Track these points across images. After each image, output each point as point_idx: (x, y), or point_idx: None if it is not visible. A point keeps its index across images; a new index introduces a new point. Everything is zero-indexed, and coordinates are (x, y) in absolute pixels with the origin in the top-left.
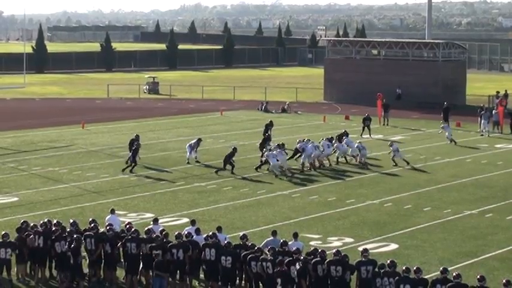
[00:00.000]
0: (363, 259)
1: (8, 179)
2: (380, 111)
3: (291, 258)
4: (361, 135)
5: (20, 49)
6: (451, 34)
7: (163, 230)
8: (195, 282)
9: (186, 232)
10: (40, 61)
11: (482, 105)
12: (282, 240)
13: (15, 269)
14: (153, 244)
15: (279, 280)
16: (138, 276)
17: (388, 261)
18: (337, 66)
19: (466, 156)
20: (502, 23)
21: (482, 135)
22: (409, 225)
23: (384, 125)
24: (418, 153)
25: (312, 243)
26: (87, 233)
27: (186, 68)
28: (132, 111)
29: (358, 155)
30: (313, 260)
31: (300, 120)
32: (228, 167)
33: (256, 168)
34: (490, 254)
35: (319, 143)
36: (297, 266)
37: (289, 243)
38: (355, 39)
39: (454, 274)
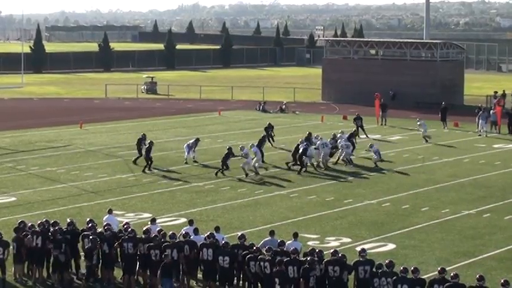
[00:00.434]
0: (361, 259)
1: (5, 179)
2: (378, 111)
3: (288, 258)
4: (357, 136)
5: (18, 49)
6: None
7: (161, 230)
8: (193, 283)
9: (183, 232)
10: (38, 61)
11: (480, 105)
12: (279, 240)
13: (13, 269)
14: (151, 244)
15: (276, 280)
16: (136, 276)
17: (387, 261)
18: (335, 66)
19: (464, 156)
20: (500, 23)
21: (480, 135)
22: (407, 225)
23: (381, 125)
24: (416, 153)
25: (309, 243)
26: (85, 233)
27: (184, 68)
28: (130, 111)
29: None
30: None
31: (298, 120)
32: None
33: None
34: (488, 254)
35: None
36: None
37: (288, 242)
38: (353, 39)
39: (452, 274)
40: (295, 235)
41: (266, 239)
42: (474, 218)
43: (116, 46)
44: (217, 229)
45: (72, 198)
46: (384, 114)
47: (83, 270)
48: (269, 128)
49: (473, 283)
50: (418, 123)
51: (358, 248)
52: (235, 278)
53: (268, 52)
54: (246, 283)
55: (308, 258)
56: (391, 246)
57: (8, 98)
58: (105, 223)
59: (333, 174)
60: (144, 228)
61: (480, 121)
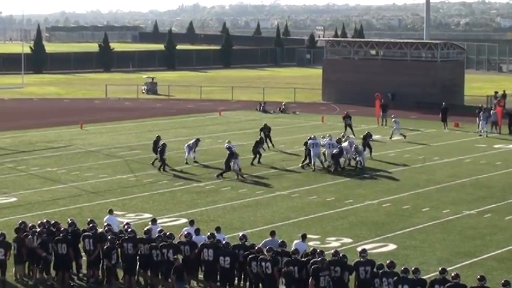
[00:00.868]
0: (362, 259)
1: (6, 179)
2: (378, 112)
3: (290, 259)
4: (343, 134)
5: (18, 49)
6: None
7: (161, 230)
8: (194, 283)
9: (185, 232)
10: (38, 61)
11: (480, 105)
12: (280, 241)
13: (14, 269)
14: (153, 244)
15: (283, 280)
16: (136, 277)
17: (387, 262)
18: (335, 66)
19: (465, 156)
20: (500, 23)
21: (480, 135)
22: (408, 225)
23: (382, 125)
24: (416, 153)
25: (310, 243)
26: (86, 233)
27: (184, 68)
28: (131, 112)
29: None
30: (312, 261)
31: (298, 121)
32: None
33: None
34: (489, 254)
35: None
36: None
37: (295, 242)
38: (354, 39)
39: (453, 274)
40: (304, 236)
41: (267, 239)
42: (475, 218)
43: (116, 46)
44: (218, 229)
45: (72, 199)
46: (384, 114)
47: (84, 270)
48: (265, 129)
49: (474, 283)
50: (393, 120)
51: (359, 249)
52: (236, 279)
53: (268, 52)
54: (247, 283)
55: (319, 259)
56: (392, 246)
57: (8, 99)
58: (105, 223)
59: (334, 175)
60: (145, 229)
61: (480, 121)
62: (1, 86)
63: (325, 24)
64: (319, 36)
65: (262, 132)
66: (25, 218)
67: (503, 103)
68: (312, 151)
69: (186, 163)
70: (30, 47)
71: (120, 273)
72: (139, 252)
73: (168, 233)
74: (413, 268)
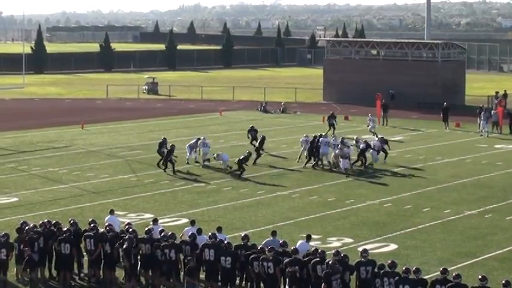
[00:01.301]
0: (363, 259)
1: (7, 180)
2: (379, 112)
3: (290, 258)
4: (326, 133)
5: (19, 49)
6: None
7: (162, 230)
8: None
9: (189, 233)
10: (39, 61)
11: (481, 105)
12: (281, 241)
13: (15, 270)
14: (156, 244)
15: (287, 280)
16: (138, 277)
17: (389, 262)
18: (336, 66)
19: (466, 156)
20: (501, 23)
21: (481, 135)
22: (409, 225)
23: (383, 125)
24: (417, 153)
25: (311, 243)
26: (87, 233)
27: (185, 69)
28: (132, 112)
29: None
30: (313, 260)
31: (299, 121)
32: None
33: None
34: (490, 255)
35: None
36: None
37: (300, 241)
38: (354, 39)
39: (454, 274)
40: (309, 237)
41: (268, 239)
42: (476, 218)
43: (117, 46)
44: (219, 229)
45: (73, 199)
46: (385, 114)
47: (85, 270)
48: (252, 131)
49: (475, 283)
50: (369, 118)
51: (360, 249)
52: (237, 278)
53: (269, 52)
54: (248, 284)
55: (330, 262)
56: (393, 246)
57: (9, 99)
58: (106, 223)
59: (335, 175)
60: (146, 229)
61: (481, 121)
62: (2, 86)
63: (326, 24)
64: (320, 36)
65: (249, 134)
66: (26, 218)
67: (504, 103)
68: (320, 149)
69: (187, 163)
70: (31, 47)
71: (121, 273)
72: (140, 252)
73: (169, 233)
74: (414, 268)
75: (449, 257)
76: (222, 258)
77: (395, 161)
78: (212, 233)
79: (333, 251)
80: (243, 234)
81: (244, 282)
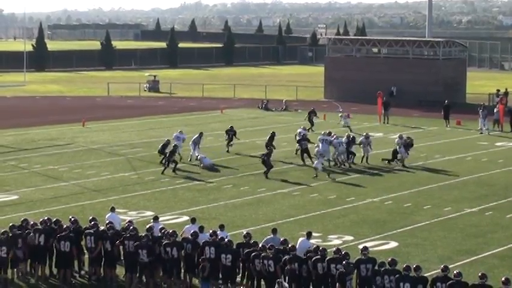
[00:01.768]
0: (363, 257)
1: (8, 177)
2: (380, 109)
3: (291, 256)
4: (309, 129)
5: (21, 47)
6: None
7: (163, 228)
8: (195, 281)
9: (191, 231)
10: (40, 59)
11: (482, 103)
12: (282, 239)
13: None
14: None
15: (287, 278)
16: (138, 274)
17: (389, 260)
18: (337, 64)
19: (467, 154)
20: (502, 21)
21: (481, 133)
22: (409, 223)
23: (384, 123)
24: (418, 151)
25: (312, 241)
26: (87, 231)
27: (186, 66)
28: (133, 110)
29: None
30: (314, 258)
31: (300, 119)
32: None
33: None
34: (490, 252)
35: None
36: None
37: (300, 239)
38: (356, 37)
39: (455, 272)
40: (309, 234)
41: (268, 237)
42: (476, 216)
43: (118, 44)
44: (221, 227)
45: (74, 197)
46: (386, 112)
47: (86, 268)
48: (230, 131)
49: (476, 281)
50: (340, 115)
51: (361, 246)
52: (238, 276)
53: (270, 50)
54: (249, 281)
55: (344, 262)
56: (393, 244)
57: (10, 96)
58: (107, 221)
59: (336, 172)
60: (147, 226)
61: (480, 119)
62: (3, 84)
63: (327, 22)
64: (321, 34)
65: (227, 134)
66: (27, 215)
67: (505, 101)
68: (320, 146)
69: (190, 160)
70: (32, 45)
71: (122, 271)
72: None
73: (171, 231)
74: (414, 266)
75: (450, 254)
76: (223, 256)
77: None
78: (213, 231)
79: (334, 249)
80: (244, 232)
81: (245, 280)
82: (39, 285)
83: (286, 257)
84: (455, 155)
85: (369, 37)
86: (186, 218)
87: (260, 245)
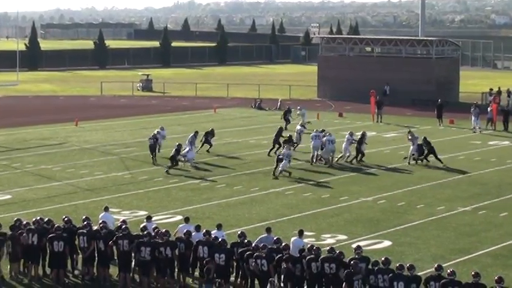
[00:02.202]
0: (356, 256)
1: (0, 177)
2: (373, 109)
3: (282, 255)
4: (285, 128)
5: (13, 46)
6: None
7: (156, 228)
8: (189, 280)
9: (185, 230)
10: (33, 58)
11: (475, 102)
12: (275, 238)
13: (9, 267)
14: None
15: (282, 277)
16: (131, 274)
17: (382, 259)
18: (330, 63)
19: (459, 153)
20: (495, 20)
21: (474, 131)
22: (403, 222)
23: (377, 122)
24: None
25: (305, 240)
26: (80, 230)
27: (179, 66)
28: (126, 109)
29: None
30: (308, 257)
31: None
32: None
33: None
34: (484, 251)
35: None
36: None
37: (293, 238)
38: (349, 36)
39: (449, 271)
40: (301, 232)
41: (262, 236)
42: (469, 215)
43: (111, 43)
44: (219, 226)
45: (67, 196)
46: (379, 111)
47: (80, 267)
48: (209, 134)
49: (469, 280)
50: (298, 112)
51: (354, 245)
52: (232, 275)
53: (263, 49)
54: (243, 281)
55: (352, 262)
56: (386, 243)
57: (2, 96)
58: (100, 221)
59: (329, 171)
60: (142, 226)
61: (473, 118)
62: None
63: (320, 21)
64: (314, 33)
65: (204, 138)
66: (20, 215)
67: (498, 100)
68: (312, 142)
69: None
70: (25, 44)
71: (115, 270)
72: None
73: (164, 230)
74: (408, 265)
75: (443, 253)
76: (216, 255)
77: (388, 158)
78: (206, 230)
79: (328, 248)
80: (239, 232)
81: (239, 279)
82: (32, 285)
83: (280, 256)
84: (448, 154)
85: (362, 36)
86: (179, 217)
87: (253, 244)
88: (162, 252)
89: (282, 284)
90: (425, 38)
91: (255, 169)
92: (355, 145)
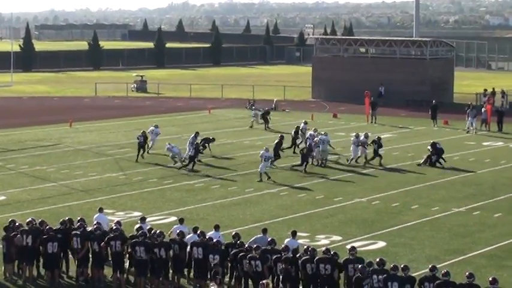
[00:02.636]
0: (351, 257)
1: None
2: (368, 109)
3: (279, 255)
4: (265, 128)
5: (8, 47)
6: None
7: (151, 229)
8: (184, 281)
9: (178, 231)
10: (27, 60)
11: (469, 103)
12: (270, 239)
13: (3, 268)
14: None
15: (280, 277)
16: (126, 275)
17: (377, 259)
18: (325, 64)
19: (454, 154)
20: (489, 21)
21: (468, 132)
22: (397, 223)
23: (371, 122)
24: (405, 151)
25: (300, 241)
26: (74, 232)
27: (174, 67)
28: (120, 110)
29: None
30: (303, 258)
31: (288, 118)
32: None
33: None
34: (478, 252)
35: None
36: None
37: (287, 239)
38: (343, 37)
39: (443, 272)
40: (294, 233)
41: (257, 236)
42: (464, 215)
43: (106, 45)
44: (216, 227)
45: (62, 197)
46: (373, 112)
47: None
48: (209, 141)
49: (463, 281)
50: (253, 112)
51: (349, 246)
52: (227, 277)
53: (258, 50)
54: (237, 282)
55: (359, 267)
56: (381, 244)
57: None
58: (95, 222)
59: (323, 172)
60: (137, 227)
61: (469, 118)
62: None
63: (315, 22)
64: (308, 34)
65: (203, 142)
66: (14, 216)
67: (492, 101)
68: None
69: (183, 160)
70: (20, 45)
71: (109, 271)
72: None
73: (158, 231)
74: (402, 265)
75: (438, 254)
76: (211, 256)
77: (383, 158)
78: (201, 231)
79: (323, 249)
80: (233, 233)
81: (233, 280)
82: (26, 286)
83: (276, 256)
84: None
85: (356, 37)
86: (174, 218)
87: (247, 245)
88: (157, 253)
89: (280, 285)
90: (419, 39)
91: (249, 170)
92: (374, 147)
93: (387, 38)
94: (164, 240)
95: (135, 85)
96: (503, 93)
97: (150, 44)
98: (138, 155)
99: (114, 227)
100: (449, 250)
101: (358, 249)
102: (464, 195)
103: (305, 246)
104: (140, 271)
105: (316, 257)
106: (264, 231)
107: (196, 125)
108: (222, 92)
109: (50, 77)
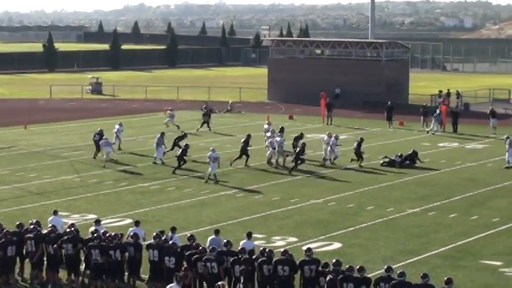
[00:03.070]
0: (307, 258)
1: None
2: (323, 111)
3: (237, 257)
4: (197, 130)
5: None
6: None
7: (106, 232)
8: (140, 284)
9: (131, 233)
10: None
11: (424, 104)
12: (225, 240)
13: None
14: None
15: (241, 278)
16: (81, 277)
17: (334, 261)
18: (280, 65)
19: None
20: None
21: (433, 133)
22: (353, 224)
23: (327, 124)
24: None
25: (256, 242)
26: (27, 235)
27: (129, 68)
28: (75, 112)
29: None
30: (260, 260)
31: (244, 120)
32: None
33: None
34: (433, 252)
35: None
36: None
37: (242, 241)
38: (299, 39)
39: (398, 272)
40: (249, 235)
41: (211, 238)
42: (419, 216)
43: (61, 46)
44: (173, 229)
45: (16, 200)
46: (329, 113)
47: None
48: (180, 138)
49: (419, 281)
50: (168, 113)
51: (305, 247)
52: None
53: (214, 52)
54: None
55: (331, 269)
56: (337, 245)
57: None
58: (49, 224)
59: (280, 174)
60: (92, 229)
61: (433, 120)
62: None
63: (271, 24)
64: (264, 36)
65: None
66: None
67: (447, 102)
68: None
69: (154, 162)
70: None
71: (65, 274)
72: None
73: (113, 234)
74: (358, 266)
75: (393, 255)
76: (166, 258)
77: (338, 160)
78: (156, 233)
79: (281, 250)
80: (188, 235)
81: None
82: None
83: (235, 258)
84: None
85: (312, 38)
86: (129, 220)
87: (202, 247)
88: (112, 255)
89: (241, 286)
90: (375, 41)
91: (205, 172)
92: (354, 149)
93: (343, 40)
94: (119, 242)
95: (90, 87)
96: (458, 94)
97: (105, 46)
98: (95, 153)
99: (68, 230)
100: (404, 251)
101: (314, 250)
102: (420, 195)
103: (261, 248)
104: (96, 274)
105: (274, 259)
106: (216, 232)
107: (152, 126)
108: (177, 93)
109: (4, 79)
